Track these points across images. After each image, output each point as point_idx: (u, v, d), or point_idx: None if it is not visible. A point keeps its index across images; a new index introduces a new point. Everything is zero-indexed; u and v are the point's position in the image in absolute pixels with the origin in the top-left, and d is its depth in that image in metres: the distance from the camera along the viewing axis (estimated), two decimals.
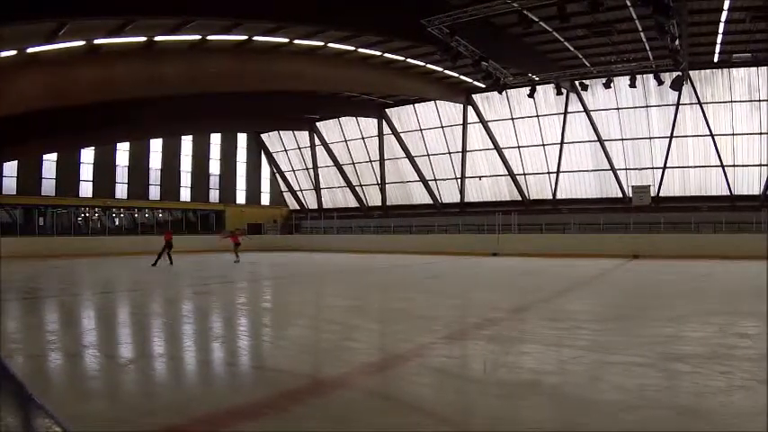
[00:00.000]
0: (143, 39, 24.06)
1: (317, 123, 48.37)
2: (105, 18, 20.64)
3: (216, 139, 50.01)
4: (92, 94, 25.72)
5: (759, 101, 32.45)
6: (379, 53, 30.16)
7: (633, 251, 31.17)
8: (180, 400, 5.38)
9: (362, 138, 46.80)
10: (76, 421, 4.44)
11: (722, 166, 34.60)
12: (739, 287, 16.04)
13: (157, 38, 24.19)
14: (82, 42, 22.96)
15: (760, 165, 33.75)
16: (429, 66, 32.83)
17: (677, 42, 24.62)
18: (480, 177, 42.92)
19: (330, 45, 28.18)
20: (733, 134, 33.89)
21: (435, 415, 4.99)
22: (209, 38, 25.07)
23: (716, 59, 30.90)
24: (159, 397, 5.62)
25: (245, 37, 25.73)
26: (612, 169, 37.62)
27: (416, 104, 42.33)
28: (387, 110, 43.78)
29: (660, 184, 36.69)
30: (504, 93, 35.02)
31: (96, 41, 23.24)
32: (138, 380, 6.32)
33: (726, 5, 23.17)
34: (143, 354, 7.70)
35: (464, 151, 42.23)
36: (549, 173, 40.17)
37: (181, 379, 6.57)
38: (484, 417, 5.01)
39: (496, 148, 40.75)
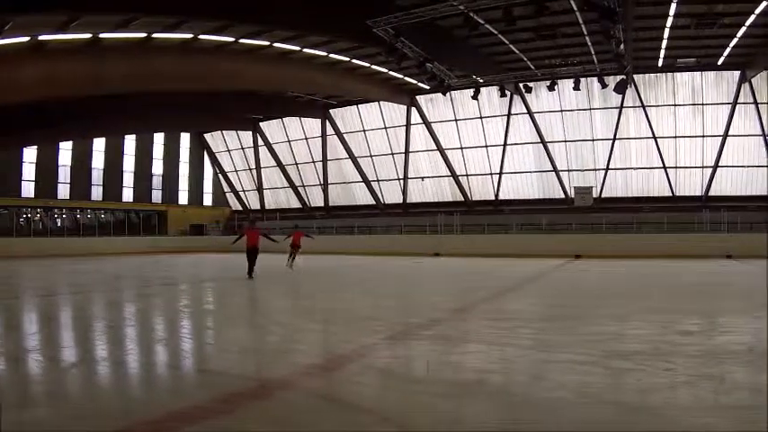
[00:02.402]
0: (88, 36, 23.49)
1: (261, 123, 48.01)
2: (51, 14, 20.11)
3: (159, 138, 49.15)
4: (35, 91, 25.10)
5: (702, 104, 33.55)
6: (324, 53, 30.01)
7: (575, 251, 31.57)
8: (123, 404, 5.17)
9: (306, 138, 46.67)
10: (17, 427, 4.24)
11: (664, 167, 35.57)
12: (681, 286, 16.37)
13: (102, 35, 23.65)
14: (26, 39, 22.33)
15: (702, 167, 34.85)
16: (374, 67, 32.82)
17: (622, 47, 25.05)
18: (423, 178, 43.20)
19: (275, 45, 27.95)
20: (675, 137, 34.92)
21: (378, 414, 4.90)
22: (154, 36, 24.63)
23: (660, 64, 31.73)
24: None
25: (191, 35, 25.33)
26: (555, 170, 38.22)
27: (360, 105, 42.38)
28: (331, 110, 43.71)
29: (602, 185, 37.42)
30: (447, 94, 35.24)
31: (41, 38, 22.65)
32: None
33: (671, 11, 23.68)
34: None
35: (407, 152, 42.48)
36: (491, 174, 40.64)
37: (122, 382, 6.35)
38: (427, 416, 4.93)
39: (439, 149, 41.04)
